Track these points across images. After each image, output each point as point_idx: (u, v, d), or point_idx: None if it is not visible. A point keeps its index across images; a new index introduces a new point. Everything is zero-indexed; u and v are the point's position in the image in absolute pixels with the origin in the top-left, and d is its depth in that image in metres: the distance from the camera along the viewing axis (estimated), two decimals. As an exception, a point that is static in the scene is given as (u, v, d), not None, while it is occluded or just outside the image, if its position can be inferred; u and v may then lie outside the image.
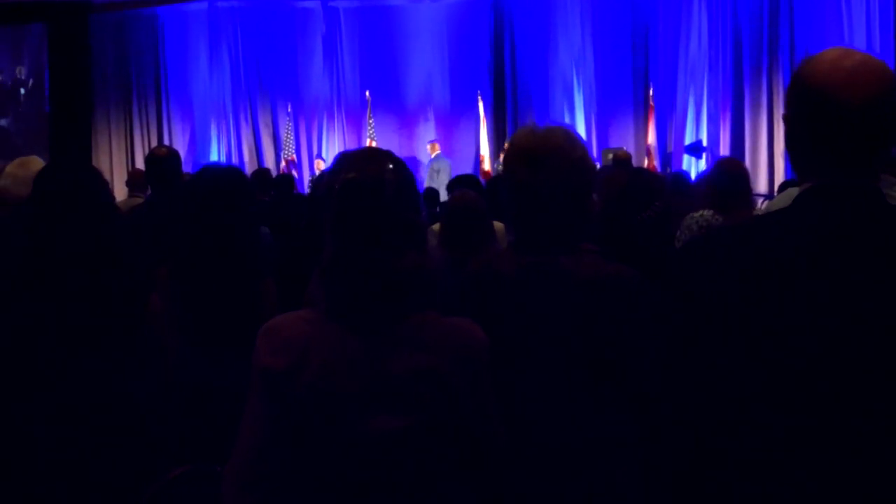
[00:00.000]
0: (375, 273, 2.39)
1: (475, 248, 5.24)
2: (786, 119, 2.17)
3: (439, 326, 2.48)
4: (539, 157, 2.97)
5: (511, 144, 3.14)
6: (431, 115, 20.89)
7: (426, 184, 17.13)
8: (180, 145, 19.96)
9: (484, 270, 3.13)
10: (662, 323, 2.27)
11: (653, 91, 19.28)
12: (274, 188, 11.79)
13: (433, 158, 19.13)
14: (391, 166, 2.47)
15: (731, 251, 2.09)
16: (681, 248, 5.07)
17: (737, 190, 6.04)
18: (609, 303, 2.92)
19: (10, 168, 5.30)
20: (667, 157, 19.49)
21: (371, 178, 2.42)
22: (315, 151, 21.10)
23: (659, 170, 18.37)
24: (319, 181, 14.24)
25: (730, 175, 6.15)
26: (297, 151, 20.86)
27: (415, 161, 19.94)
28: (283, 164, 20.25)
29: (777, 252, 2.03)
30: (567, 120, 19.35)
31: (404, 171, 2.52)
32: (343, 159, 2.53)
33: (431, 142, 19.26)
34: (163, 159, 6.44)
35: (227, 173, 4.60)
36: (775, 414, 1.98)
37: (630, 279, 2.96)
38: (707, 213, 5.97)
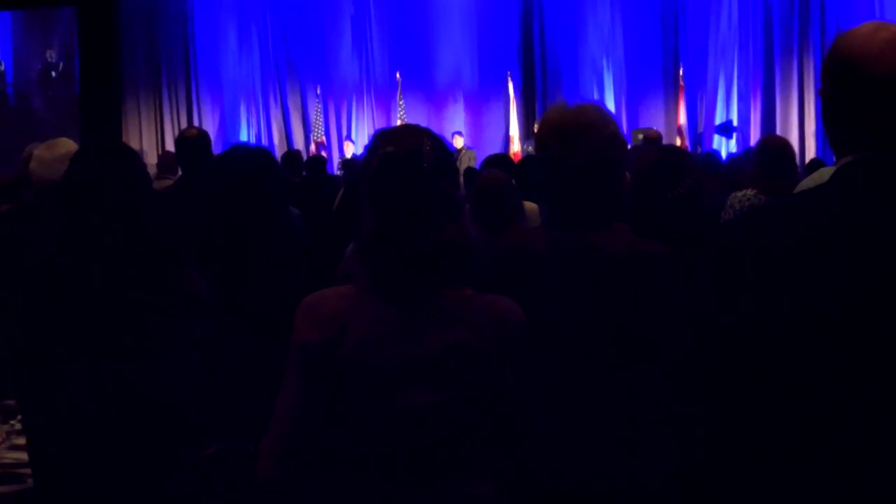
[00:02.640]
0: (413, 246, 2.40)
1: (504, 227, 5.24)
2: (822, 94, 2.15)
3: (477, 302, 2.48)
4: (572, 134, 2.97)
5: (543, 121, 3.14)
6: (461, 97, 20.85)
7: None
8: (210, 127, 19.98)
9: (516, 247, 3.13)
10: (697, 301, 2.26)
11: (683, 71, 19.18)
12: (305, 169, 11.81)
13: (460, 151, 18.80)
14: (429, 141, 2.49)
15: (774, 227, 2.07)
16: (722, 224, 5.04)
17: (781, 169, 5.99)
18: (641, 280, 2.92)
19: (38, 151, 5.26)
20: (697, 138, 19.42)
21: (409, 151, 2.44)
22: (344, 133, 21.08)
23: (690, 149, 18.30)
24: (350, 163, 14.26)
25: (774, 153, 6.10)
26: (327, 133, 20.88)
27: (445, 142, 19.75)
28: (312, 145, 20.27)
29: (823, 226, 2.01)
30: (596, 98, 19.29)
31: (442, 146, 2.54)
32: (381, 135, 2.55)
33: (455, 133, 19.11)
34: (193, 140, 6.43)
35: (255, 153, 4.59)
36: (830, 393, 1.96)
37: (662, 256, 2.96)
38: (750, 192, 5.92)
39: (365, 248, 2.48)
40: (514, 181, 5.83)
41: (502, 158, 9.02)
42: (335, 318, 2.43)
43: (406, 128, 2.58)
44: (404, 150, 2.44)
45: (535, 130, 12.71)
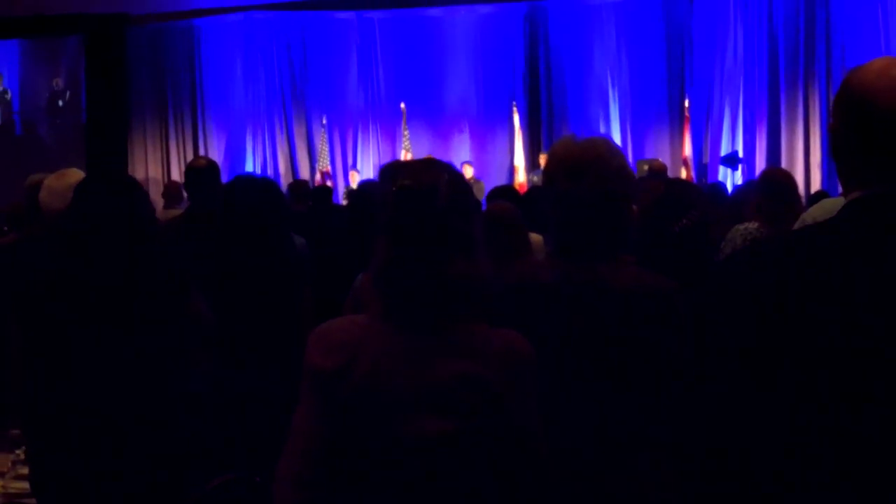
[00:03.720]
0: (426, 278, 2.45)
1: (511, 259, 5.23)
2: (832, 128, 2.15)
3: (488, 336, 2.52)
4: (580, 167, 3.00)
5: (552, 154, 3.17)
6: (466, 127, 20.86)
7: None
8: (215, 156, 19.99)
9: (523, 279, 3.14)
10: (701, 335, 2.26)
11: (688, 101, 19.18)
12: (312, 199, 11.83)
13: (469, 182, 18.81)
14: (446, 175, 2.54)
15: (777, 262, 2.06)
16: (724, 259, 5.02)
17: (783, 202, 5.95)
18: (647, 313, 2.92)
19: (49, 180, 5.28)
20: (703, 168, 19.40)
21: (426, 185, 2.49)
22: (350, 163, 21.09)
23: (695, 181, 18.30)
24: (356, 193, 14.28)
25: (776, 186, 6.04)
26: (332, 163, 20.87)
27: (450, 173, 19.77)
28: (317, 175, 20.28)
29: (828, 263, 2.00)
30: (602, 130, 19.31)
31: (460, 181, 2.59)
32: (400, 166, 2.61)
33: (464, 163, 19.11)
34: (202, 170, 6.45)
35: (260, 183, 4.62)
36: (837, 428, 1.95)
37: (668, 290, 2.97)
38: (752, 225, 5.86)
39: (378, 278, 2.52)
40: (520, 212, 5.82)
41: (508, 190, 9.00)
42: (347, 346, 2.47)
43: (425, 162, 2.64)
44: (421, 184, 2.49)
45: (543, 163, 12.83)
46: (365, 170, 20.50)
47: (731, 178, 18.21)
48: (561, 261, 3.08)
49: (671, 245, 3.70)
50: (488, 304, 2.57)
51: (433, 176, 2.52)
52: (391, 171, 2.59)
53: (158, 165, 20.93)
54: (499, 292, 3.14)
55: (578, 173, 2.99)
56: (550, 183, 3.11)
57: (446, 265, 2.45)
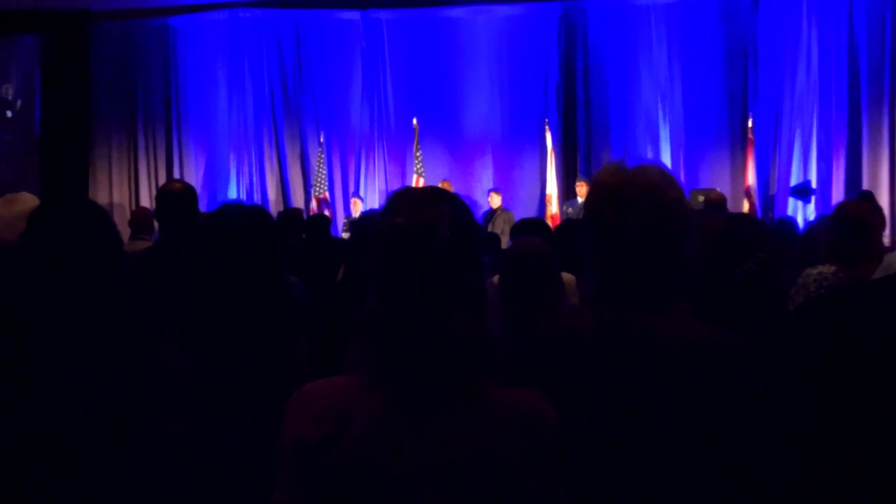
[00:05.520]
0: (422, 336, 2.41)
1: (542, 305, 5.23)
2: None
3: (500, 399, 2.48)
4: (628, 198, 2.97)
5: (595, 183, 3.13)
6: (489, 149, 20.88)
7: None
8: (193, 179, 20.08)
9: (556, 331, 3.12)
10: (766, 401, 2.24)
11: (752, 123, 19.18)
12: (306, 231, 11.84)
13: (496, 212, 18.86)
14: (449, 211, 2.49)
15: (860, 318, 2.04)
16: (796, 310, 4.98)
17: (862, 241, 5.89)
18: (703, 373, 2.88)
19: (-5, 207, 5.27)
20: (769, 201, 19.38)
21: (422, 224, 2.43)
22: (352, 189, 21.15)
23: (759, 215, 18.26)
24: (357, 223, 14.27)
25: (854, 222, 5.96)
26: (331, 188, 20.94)
27: (469, 201, 19.52)
28: (313, 202, 20.30)
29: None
30: (650, 154, 19.29)
31: (464, 217, 2.54)
32: (395, 199, 2.57)
33: (492, 190, 19.07)
34: (176, 196, 6.45)
35: (249, 213, 4.62)
36: None
37: (728, 346, 2.92)
38: (827, 268, 5.78)
39: (368, 333, 2.49)
40: (551, 251, 5.80)
41: (537, 224, 8.99)
42: (332, 414, 2.44)
43: (426, 193, 2.57)
44: (418, 223, 2.44)
45: (581, 192, 12.97)
46: (369, 197, 20.54)
47: (802, 213, 18.18)
48: (602, 309, 3.04)
49: (732, 292, 3.67)
50: (499, 363, 2.52)
51: (432, 211, 2.46)
52: (387, 203, 2.56)
53: (125, 189, 20.98)
54: (527, 346, 3.14)
55: (626, 206, 2.95)
56: (594, 216, 3.06)
57: (446, 319, 2.40)
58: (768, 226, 10.73)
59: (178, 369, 3.93)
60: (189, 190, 6.62)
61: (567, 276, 6.36)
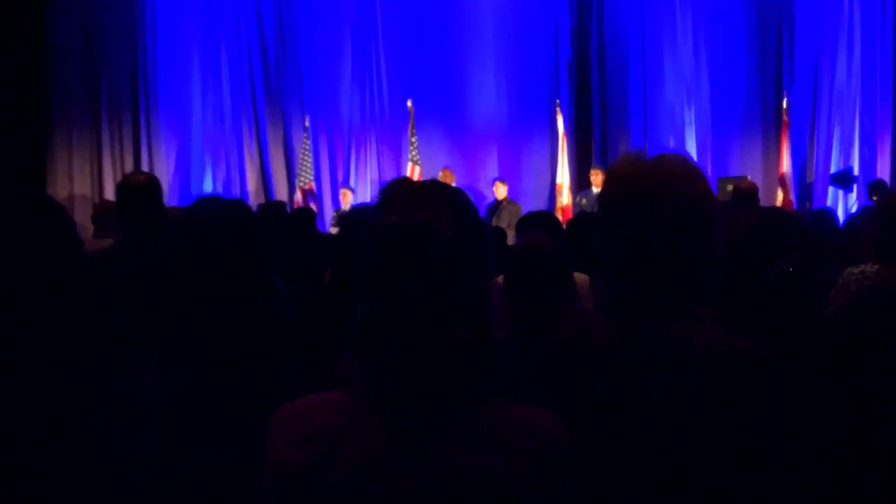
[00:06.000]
0: (420, 349, 2.38)
1: (551, 310, 5.23)
2: None
3: (505, 418, 2.46)
4: (648, 193, 2.94)
5: (611, 175, 3.12)
6: (493, 133, 20.87)
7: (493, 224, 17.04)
8: (163, 169, 20.04)
9: (568, 340, 3.11)
10: (803, 416, 2.25)
11: (788, 104, 19.14)
12: (290, 227, 11.81)
13: (501, 204, 18.83)
14: (450, 209, 2.45)
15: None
16: (835, 312, 4.96)
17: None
18: (732, 388, 2.87)
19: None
20: (806, 190, 19.37)
21: (420, 224, 2.40)
22: (341, 178, 21.12)
23: (795, 206, 18.24)
24: (348, 219, 14.23)
25: (897, 216, 5.93)
26: (318, 178, 20.90)
27: (472, 191, 19.70)
28: (298, 194, 20.24)
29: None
30: (672, 141, 19.27)
31: (467, 215, 2.50)
32: (389, 195, 2.52)
33: (497, 180, 19.00)
34: (140, 189, 6.44)
35: (228, 207, 4.61)
36: None
37: (760, 357, 2.91)
38: (870, 267, 5.73)
39: (360, 344, 2.47)
40: (562, 248, 5.78)
41: (546, 217, 8.92)
42: (320, 435, 2.42)
43: (425, 188, 2.51)
44: (415, 223, 2.40)
45: (597, 182, 12.95)
46: (360, 188, 20.54)
47: (843, 203, 18.16)
48: (619, 315, 3.03)
49: (764, 296, 3.67)
50: (505, 378, 2.50)
51: (432, 209, 2.43)
52: (379, 198, 2.53)
53: (87, 180, 20.78)
54: (536, 357, 3.14)
55: (645, 201, 2.93)
56: (609, 212, 3.04)
57: (447, 331, 2.37)
58: (804, 220, 10.71)
59: (147, 390, 3.91)
60: (154, 182, 6.61)
61: (580, 277, 6.36)
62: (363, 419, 2.44)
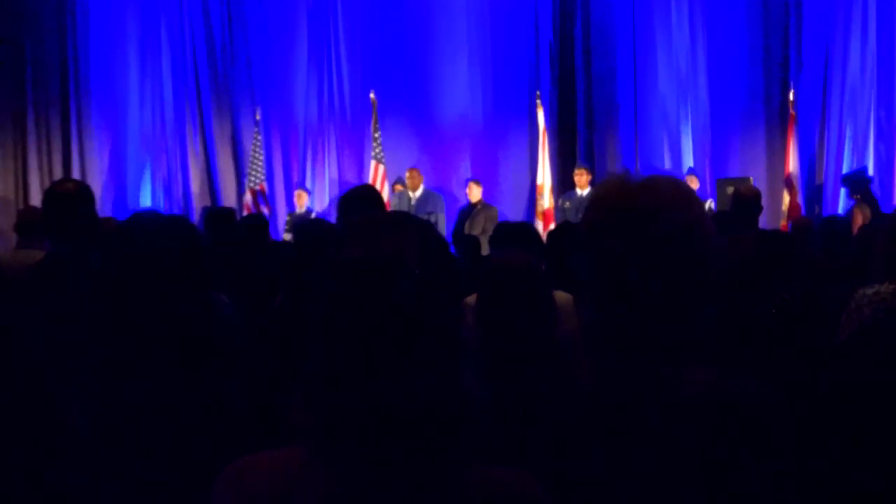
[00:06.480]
0: (380, 401, 2.34)
1: (529, 337, 5.24)
2: None
3: (478, 482, 2.43)
4: (634, 221, 2.93)
5: (595, 200, 3.09)
6: (467, 129, 20.88)
7: (465, 232, 16.99)
8: (96, 169, 19.96)
9: (548, 385, 3.12)
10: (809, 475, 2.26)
11: (794, 95, 19.16)
12: (239, 236, 11.73)
13: (475, 208, 18.85)
14: (417, 242, 2.43)
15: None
16: (846, 340, 4.94)
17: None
18: (730, 436, 2.86)
19: None
20: (815, 192, 19.37)
21: (384, 259, 2.39)
22: (296, 178, 21.06)
23: (803, 211, 18.27)
24: (304, 230, 14.20)
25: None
26: (270, 178, 20.83)
27: (443, 192, 19.91)
28: (248, 195, 20.17)
29: None
30: (665, 139, 19.30)
31: (436, 249, 2.49)
32: (349, 222, 2.52)
33: (470, 181, 18.96)
34: (69, 198, 6.39)
35: (169, 225, 4.62)
36: None
37: (759, 401, 2.92)
38: (885, 287, 5.63)
39: (311, 398, 2.44)
40: (541, 268, 5.76)
41: (522, 231, 8.83)
42: (268, 499, 2.39)
43: (385, 219, 2.52)
44: (378, 257, 2.40)
45: (585, 187, 13.06)
46: (318, 189, 20.49)
47: (856, 208, 18.18)
48: (605, 356, 3.03)
49: (764, 333, 3.67)
50: (477, 434, 2.48)
51: (397, 241, 2.40)
52: (339, 221, 2.51)
53: (11, 181, 20.59)
54: (507, 403, 3.15)
55: (632, 230, 2.92)
56: (592, 241, 3.03)
57: (411, 380, 2.34)
58: (811, 230, 10.72)
59: (69, 429, 3.92)
60: (84, 191, 6.57)
61: (562, 297, 6.32)
62: (315, 482, 2.40)
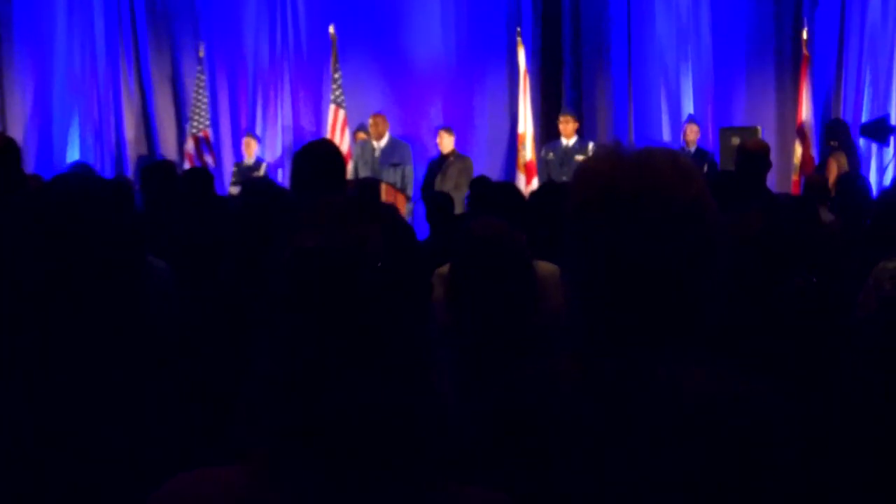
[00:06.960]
0: (339, 411, 2.30)
1: (507, 312, 5.21)
2: None
3: (451, 501, 2.41)
4: (629, 199, 2.88)
5: (582, 176, 3.05)
6: (439, 70, 20.88)
7: (436, 187, 16.98)
8: (19, 114, 19.94)
9: (528, 381, 3.09)
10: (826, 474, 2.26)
11: (808, 34, 19.13)
12: (179, 192, 11.67)
13: (447, 159, 18.90)
14: (381, 230, 2.38)
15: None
16: (866, 318, 4.94)
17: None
18: (734, 440, 2.86)
19: None
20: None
21: (343, 249, 2.33)
22: (244, 124, 21.07)
23: (817, 162, 18.28)
24: (253, 180, 14.18)
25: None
26: (215, 123, 20.82)
27: (412, 142, 19.85)
28: (189, 143, 20.10)
29: None
30: (662, 82, 19.33)
31: (401, 238, 2.42)
32: (300, 182, 2.47)
33: (441, 129, 18.94)
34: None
35: (95, 189, 4.58)
36: None
37: (766, 400, 2.92)
38: None
39: (261, 405, 2.39)
40: (522, 237, 5.71)
41: (503, 191, 8.78)
42: None
43: (350, 205, 2.44)
44: (336, 247, 2.33)
45: (570, 136, 13.07)
46: (269, 136, 20.50)
47: (876, 160, 18.20)
48: (597, 351, 3.00)
49: (772, 322, 3.66)
50: (448, 448, 2.44)
51: (358, 229, 2.35)
52: (293, 179, 2.47)
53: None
54: (485, 407, 3.12)
55: (625, 209, 2.87)
56: (578, 221, 2.98)
57: (374, 388, 2.30)
58: (823, 221, 10.67)
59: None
60: (8, 144, 6.56)
61: (546, 267, 6.24)
62: (265, 502, 2.35)
